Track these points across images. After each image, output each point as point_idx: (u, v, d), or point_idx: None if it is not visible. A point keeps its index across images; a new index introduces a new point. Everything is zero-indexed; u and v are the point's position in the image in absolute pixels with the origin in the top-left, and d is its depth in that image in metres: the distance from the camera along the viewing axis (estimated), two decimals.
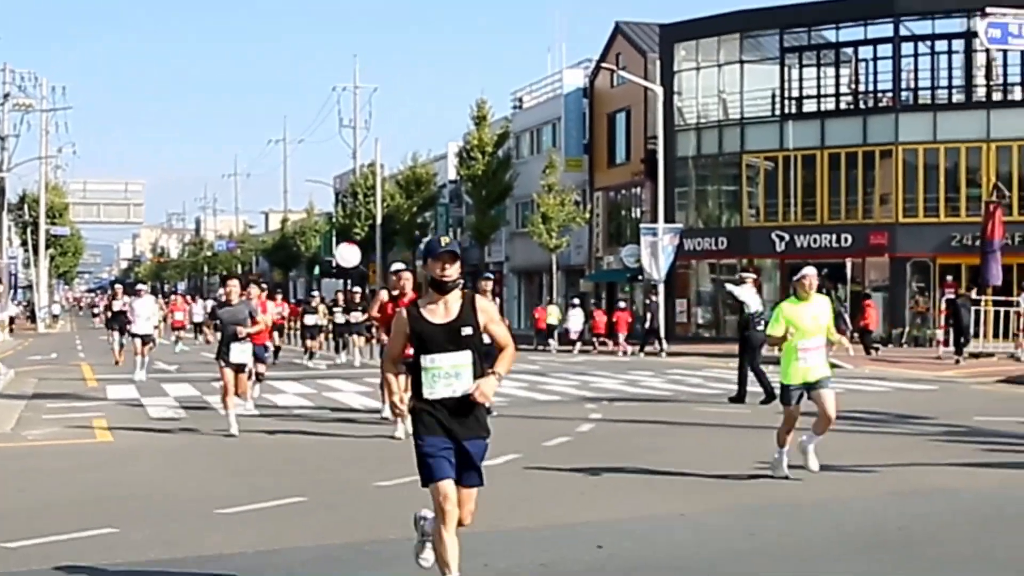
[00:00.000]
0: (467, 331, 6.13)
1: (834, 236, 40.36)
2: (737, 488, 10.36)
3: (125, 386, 22.68)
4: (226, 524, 8.90)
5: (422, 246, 8.68)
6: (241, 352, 14.37)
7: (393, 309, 13.71)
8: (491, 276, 18.07)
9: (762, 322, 18.13)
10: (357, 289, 33.06)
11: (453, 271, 6.19)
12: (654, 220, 41.19)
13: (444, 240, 6.22)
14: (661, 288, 39.41)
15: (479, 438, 6.19)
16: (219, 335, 15.00)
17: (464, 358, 6.09)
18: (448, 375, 6.08)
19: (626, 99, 48.29)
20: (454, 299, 6.22)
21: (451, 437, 6.08)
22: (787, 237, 41.14)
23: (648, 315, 37.60)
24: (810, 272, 10.74)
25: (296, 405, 18.75)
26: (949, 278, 37.62)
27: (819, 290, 11.15)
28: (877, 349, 33.05)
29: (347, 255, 29.45)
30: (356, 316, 30.38)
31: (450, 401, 6.08)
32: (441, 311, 6.19)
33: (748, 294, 18.48)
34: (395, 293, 14.37)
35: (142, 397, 20.19)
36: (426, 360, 6.10)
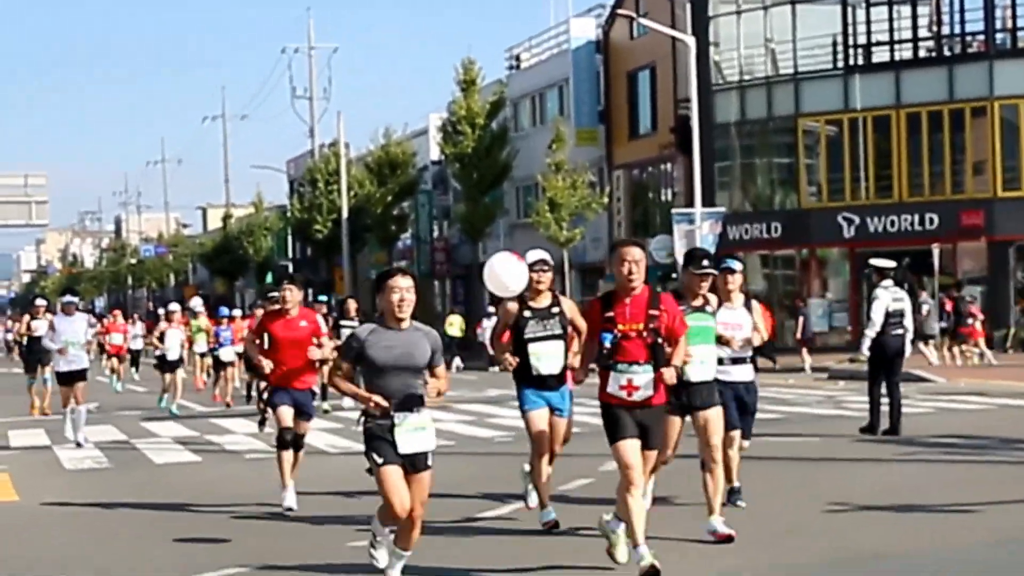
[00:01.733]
0: None
1: (916, 217, 40.34)
2: (809, 536, 10.39)
3: (33, 431, 22.62)
4: None
5: None
6: (420, 433, 8.72)
7: (593, 318, 9.79)
8: (734, 264, 11.93)
9: (901, 325, 17.36)
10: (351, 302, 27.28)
11: None
12: (689, 204, 41.17)
13: None
14: None
15: None
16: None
17: None
18: None
19: (650, 54, 48.31)
20: None
21: None
22: (857, 220, 41.13)
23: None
24: None
25: (247, 449, 18.71)
26: None
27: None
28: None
29: (515, 271, 16.28)
30: None
31: None
32: None
33: (880, 289, 17.74)
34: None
35: (54, 444, 20.14)
36: None
